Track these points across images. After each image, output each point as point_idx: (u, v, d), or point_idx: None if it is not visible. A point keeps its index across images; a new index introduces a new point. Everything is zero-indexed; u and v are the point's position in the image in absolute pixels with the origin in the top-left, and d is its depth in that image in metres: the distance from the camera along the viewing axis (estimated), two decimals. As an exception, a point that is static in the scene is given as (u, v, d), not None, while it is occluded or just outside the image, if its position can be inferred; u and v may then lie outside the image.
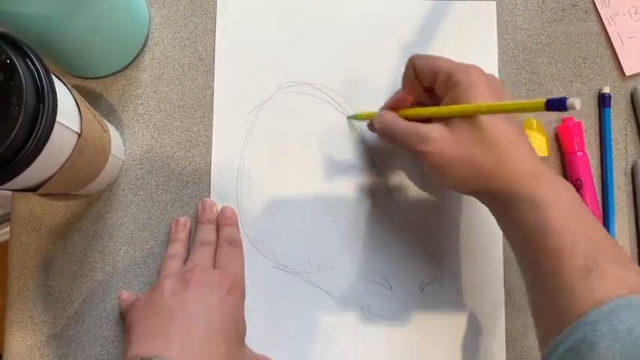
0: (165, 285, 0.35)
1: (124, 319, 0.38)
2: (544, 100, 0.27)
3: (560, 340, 0.27)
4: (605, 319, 0.26)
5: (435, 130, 0.33)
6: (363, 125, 0.43)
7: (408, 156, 0.43)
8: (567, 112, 0.45)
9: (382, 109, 0.40)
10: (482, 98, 0.32)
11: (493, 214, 0.35)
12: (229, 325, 0.34)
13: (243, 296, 0.37)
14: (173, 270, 0.37)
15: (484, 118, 0.32)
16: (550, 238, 0.29)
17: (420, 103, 0.38)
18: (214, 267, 0.38)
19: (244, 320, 0.36)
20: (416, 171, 0.43)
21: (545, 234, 0.30)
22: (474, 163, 0.32)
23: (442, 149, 0.33)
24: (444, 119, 0.34)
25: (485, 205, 0.35)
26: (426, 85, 0.36)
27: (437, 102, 0.35)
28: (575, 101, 0.25)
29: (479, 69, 0.34)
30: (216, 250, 0.40)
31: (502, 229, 0.34)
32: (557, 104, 0.26)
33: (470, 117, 0.32)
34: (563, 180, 0.32)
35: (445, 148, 0.33)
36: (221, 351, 0.32)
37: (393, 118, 0.36)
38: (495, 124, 0.32)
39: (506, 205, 0.32)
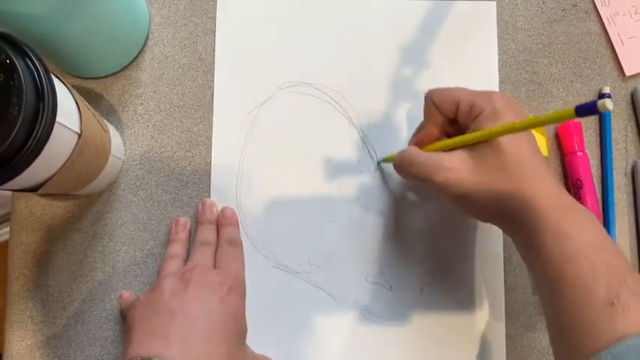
0: (166, 285, 0.35)
1: (125, 318, 0.38)
2: (573, 108, 0.25)
3: None
4: (628, 353, 0.25)
5: (456, 158, 0.33)
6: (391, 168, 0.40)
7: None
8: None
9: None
10: (507, 122, 0.31)
11: (514, 243, 0.34)
12: (230, 325, 0.34)
13: (243, 296, 0.37)
14: (173, 270, 0.37)
15: (507, 146, 0.31)
16: (571, 268, 0.29)
17: (447, 135, 0.37)
18: (215, 267, 0.38)
19: (245, 320, 0.36)
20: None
21: (566, 264, 0.29)
22: (496, 192, 0.31)
23: (463, 177, 0.32)
24: (468, 147, 0.33)
25: (507, 234, 0.34)
26: (449, 117, 0.35)
27: (460, 132, 0.35)
28: (606, 102, 0.24)
29: (500, 94, 0.34)
30: (216, 250, 0.40)
31: (523, 258, 0.33)
32: (588, 109, 0.25)
33: (493, 143, 0.31)
34: (585, 208, 0.32)
35: (466, 176, 0.32)
36: (222, 351, 0.32)
37: (413, 151, 0.35)
38: (518, 151, 0.31)
39: (528, 235, 0.31)
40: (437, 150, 0.35)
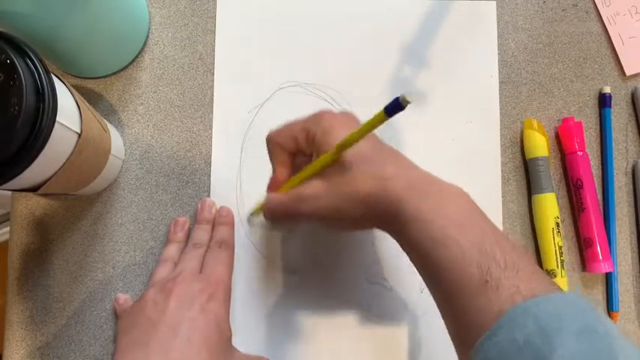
0: (149, 296, 0.35)
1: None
2: (382, 110, 0.26)
3: None
4: (503, 332, 0.25)
5: (312, 187, 0.33)
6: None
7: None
8: (567, 112, 0.45)
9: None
10: (340, 137, 0.31)
11: (395, 239, 0.33)
12: (211, 331, 0.34)
13: (226, 301, 0.37)
14: (161, 277, 0.38)
15: (347, 155, 0.31)
16: (440, 253, 0.29)
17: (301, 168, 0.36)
18: (201, 271, 0.38)
19: (228, 324, 0.36)
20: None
21: (435, 250, 0.29)
22: (357, 200, 0.31)
23: (325, 200, 0.32)
24: (318, 173, 0.33)
25: (387, 232, 0.33)
26: (295, 152, 0.35)
27: (311, 160, 0.35)
28: (406, 96, 0.24)
29: (327, 112, 0.34)
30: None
31: (405, 252, 0.33)
32: (394, 107, 0.25)
33: (335, 160, 0.32)
34: (448, 185, 0.31)
35: (327, 198, 0.32)
36: (202, 356, 0.33)
37: (273, 197, 0.35)
38: (359, 156, 0.31)
39: (396, 226, 0.31)
40: (293, 186, 0.35)
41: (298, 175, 0.35)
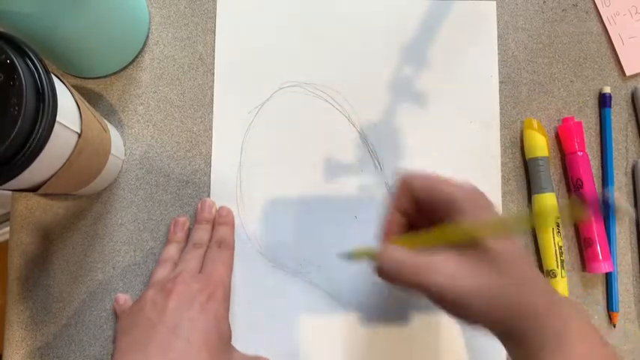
0: (148, 296, 0.35)
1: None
2: (580, 206, 0.24)
3: None
4: None
5: (447, 261, 0.29)
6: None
7: (407, 157, 0.43)
8: (567, 112, 0.45)
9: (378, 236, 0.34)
10: (486, 217, 0.29)
11: (511, 355, 0.31)
12: (210, 331, 0.34)
13: (225, 301, 0.37)
14: (161, 277, 0.38)
15: (494, 244, 0.28)
16: None
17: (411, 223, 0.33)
18: (200, 270, 0.38)
19: (228, 324, 0.36)
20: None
21: None
22: (490, 295, 0.28)
23: (458, 282, 0.28)
24: (453, 248, 0.29)
25: (503, 344, 0.31)
26: (421, 206, 0.32)
27: (428, 220, 0.31)
28: (619, 203, 0.23)
29: (472, 186, 0.31)
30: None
31: None
32: (604, 207, 0.24)
33: (479, 244, 0.28)
34: (576, 304, 0.30)
35: (460, 282, 0.28)
36: (202, 356, 0.33)
37: (399, 255, 0.30)
38: (506, 249, 0.29)
39: (522, 342, 0.29)
40: (412, 244, 0.31)
41: (422, 234, 0.31)
